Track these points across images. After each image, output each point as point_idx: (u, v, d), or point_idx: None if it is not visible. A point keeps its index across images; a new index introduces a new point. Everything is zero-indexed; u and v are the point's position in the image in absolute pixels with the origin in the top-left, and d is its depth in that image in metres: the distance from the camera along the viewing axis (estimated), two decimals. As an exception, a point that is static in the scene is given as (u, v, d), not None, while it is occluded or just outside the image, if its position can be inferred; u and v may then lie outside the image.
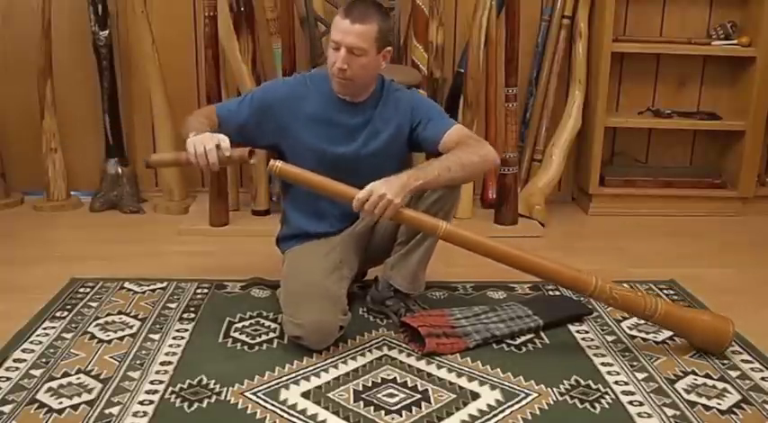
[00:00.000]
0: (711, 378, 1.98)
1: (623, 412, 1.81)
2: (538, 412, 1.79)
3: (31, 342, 2.09)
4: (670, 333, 2.18)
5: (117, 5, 3.41)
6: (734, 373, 2.01)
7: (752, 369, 2.04)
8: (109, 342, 2.10)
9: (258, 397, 1.82)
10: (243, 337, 2.14)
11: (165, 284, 2.51)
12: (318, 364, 1.99)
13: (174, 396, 1.82)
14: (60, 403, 1.77)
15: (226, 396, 1.82)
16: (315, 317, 2.00)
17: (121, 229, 3.21)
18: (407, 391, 1.87)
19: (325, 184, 2.03)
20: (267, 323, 2.24)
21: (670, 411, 1.81)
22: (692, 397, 1.88)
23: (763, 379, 1.98)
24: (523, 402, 1.83)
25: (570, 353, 2.11)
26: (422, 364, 2.01)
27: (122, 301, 2.38)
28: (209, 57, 3.15)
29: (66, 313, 2.28)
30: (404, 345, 2.11)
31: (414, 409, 1.79)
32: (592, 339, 2.19)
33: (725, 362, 2.07)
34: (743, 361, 2.08)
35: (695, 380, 1.97)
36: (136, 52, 3.45)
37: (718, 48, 3.51)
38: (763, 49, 3.44)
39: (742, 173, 3.58)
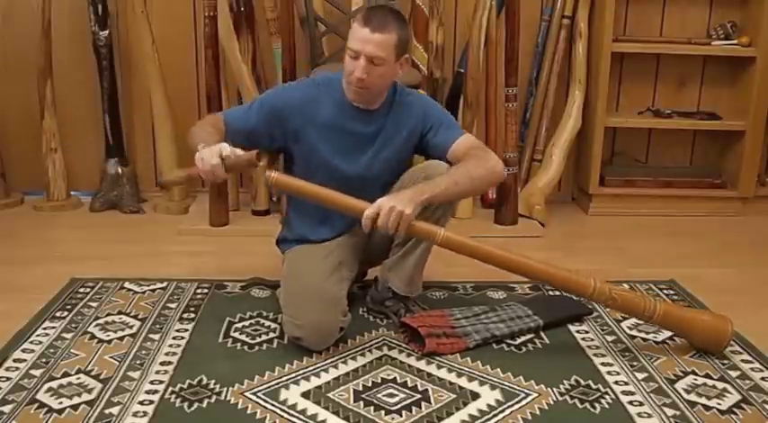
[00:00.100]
0: (711, 378, 1.98)
1: (623, 412, 1.81)
2: (538, 412, 1.79)
3: (31, 342, 2.09)
4: (670, 333, 2.18)
5: (117, 5, 3.41)
6: (734, 373, 2.01)
7: (752, 369, 2.04)
8: (109, 342, 2.10)
9: (258, 397, 1.82)
10: (243, 337, 2.14)
11: (165, 284, 2.51)
12: (318, 364, 1.99)
13: (174, 396, 1.82)
14: (60, 403, 1.77)
15: (226, 396, 1.82)
16: (315, 318, 2.00)
17: (121, 229, 3.21)
18: (407, 391, 1.87)
19: (327, 196, 1.99)
20: (267, 323, 2.24)
21: (670, 411, 1.81)
22: (692, 397, 1.88)
23: (763, 379, 1.98)
24: (523, 402, 1.83)
25: (570, 353, 2.11)
26: (422, 364, 2.01)
27: (122, 301, 2.38)
28: (209, 57, 3.15)
29: (66, 313, 2.28)
30: (404, 345, 2.12)
31: (414, 409, 1.79)
32: (592, 339, 2.19)
33: (725, 362, 2.07)
34: (743, 361, 2.08)
35: (695, 380, 1.97)
36: (136, 52, 3.45)
37: (718, 48, 3.51)
38: (763, 49, 3.44)
39: (742, 173, 3.58)
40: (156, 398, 1.81)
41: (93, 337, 2.13)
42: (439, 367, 1.99)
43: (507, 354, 2.09)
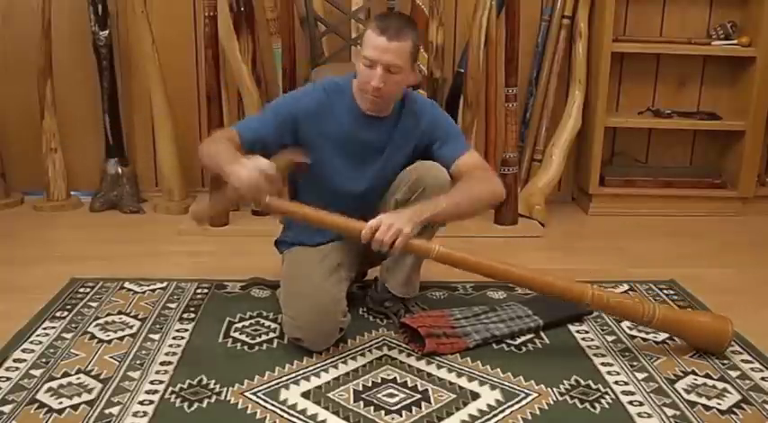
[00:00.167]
0: (711, 378, 1.98)
1: (623, 412, 1.81)
2: (538, 412, 1.79)
3: (31, 342, 2.09)
4: (670, 333, 2.19)
5: (117, 5, 3.41)
6: (734, 373, 2.01)
7: (752, 369, 2.04)
8: (109, 342, 2.10)
9: (258, 397, 1.82)
10: (243, 337, 2.14)
11: (165, 284, 2.51)
12: (318, 364, 1.99)
13: (174, 396, 1.82)
14: (60, 403, 1.77)
15: (226, 396, 1.82)
16: (315, 319, 2.00)
17: (121, 229, 3.21)
18: (407, 391, 1.87)
19: (325, 219, 1.96)
20: (267, 323, 2.24)
21: (670, 411, 1.81)
22: (692, 397, 1.88)
23: (763, 379, 1.98)
24: (523, 402, 1.83)
25: (570, 353, 2.11)
26: (422, 364, 2.01)
27: (122, 301, 2.38)
28: (209, 57, 3.15)
29: (66, 313, 2.28)
30: (404, 345, 2.11)
31: (414, 409, 1.79)
32: (592, 339, 2.19)
33: (725, 362, 2.07)
34: (743, 361, 2.08)
35: (695, 380, 1.97)
36: (136, 52, 3.45)
37: (718, 48, 3.51)
38: (763, 49, 3.44)
39: (742, 173, 3.58)
40: (156, 398, 1.81)
41: (93, 337, 2.13)
42: (439, 367, 1.99)
43: (507, 354, 2.09)
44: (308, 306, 2.01)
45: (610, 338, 2.19)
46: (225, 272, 2.63)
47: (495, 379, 1.94)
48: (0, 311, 2.30)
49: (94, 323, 2.22)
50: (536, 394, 1.87)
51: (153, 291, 2.46)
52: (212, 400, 1.80)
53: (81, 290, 2.46)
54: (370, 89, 2.03)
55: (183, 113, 3.47)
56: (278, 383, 1.89)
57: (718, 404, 1.85)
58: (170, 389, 1.85)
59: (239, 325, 2.23)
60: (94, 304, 2.35)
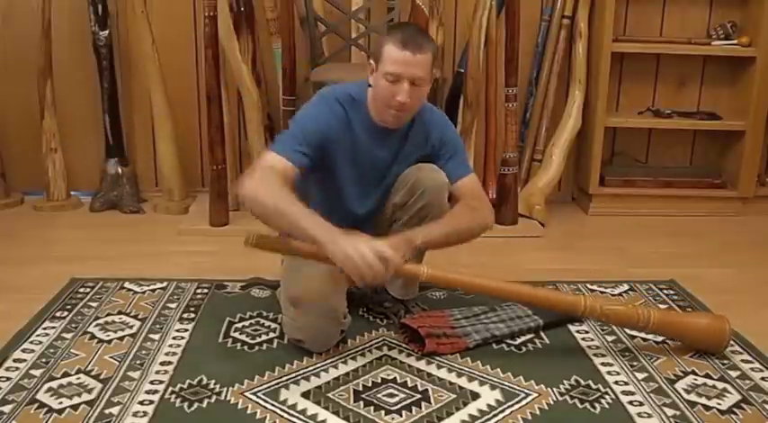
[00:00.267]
0: (711, 378, 1.98)
1: (623, 412, 1.81)
2: (538, 412, 1.79)
3: (31, 342, 2.09)
4: (670, 333, 2.19)
5: (117, 5, 3.41)
6: (734, 373, 2.01)
7: (752, 369, 2.04)
8: (109, 342, 2.10)
9: (258, 397, 1.82)
10: (243, 337, 2.14)
11: (165, 284, 2.51)
12: (318, 364, 1.99)
13: (174, 396, 1.82)
14: (60, 403, 1.77)
15: (226, 396, 1.82)
16: (315, 322, 2.00)
17: (121, 229, 3.21)
18: (407, 391, 1.87)
19: (315, 253, 1.89)
20: (267, 323, 2.24)
21: (670, 411, 1.81)
22: (692, 397, 1.88)
23: (763, 379, 1.98)
24: (523, 402, 1.83)
25: (570, 353, 2.11)
26: (422, 364, 2.01)
27: (122, 301, 2.38)
28: (209, 57, 3.14)
29: (66, 313, 2.28)
30: (404, 345, 2.11)
31: (414, 409, 1.79)
32: (592, 339, 2.19)
33: (725, 362, 2.07)
34: (743, 361, 2.08)
35: (695, 380, 1.97)
36: (136, 52, 3.45)
37: (718, 48, 3.51)
38: (763, 49, 3.44)
39: (742, 173, 3.58)
40: (156, 398, 1.81)
41: (93, 337, 2.13)
42: (439, 367, 1.99)
43: (507, 354, 2.09)
44: (308, 309, 2.00)
45: (610, 338, 2.19)
46: (225, 272, 2.63)
47: (495, 379, 1.94)
48: (0, 311, 2.30)
49: (94, 323, 2.22)
50: (536, 394, 1.87)
51: (153, 291, 2.46)
52: (212, 400, 1.80)
53: (81, 290, 2.46)
54: (395, 105, 1.98)
55: (183, 113, 3.47)
56: (278, 383, 1.89)
57: (718, 404, 1.85)
58: (170, 389, 1.85)
59: (239, 325, 2.23)
60: (94, 304, 2.35)
